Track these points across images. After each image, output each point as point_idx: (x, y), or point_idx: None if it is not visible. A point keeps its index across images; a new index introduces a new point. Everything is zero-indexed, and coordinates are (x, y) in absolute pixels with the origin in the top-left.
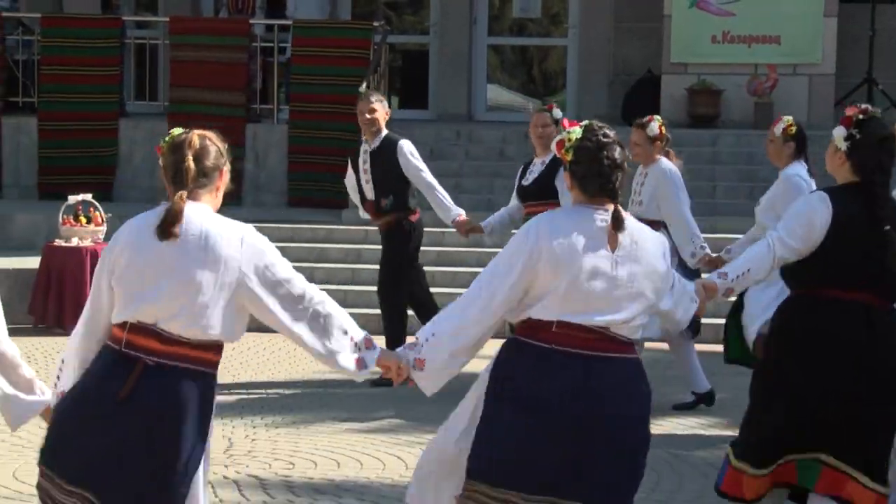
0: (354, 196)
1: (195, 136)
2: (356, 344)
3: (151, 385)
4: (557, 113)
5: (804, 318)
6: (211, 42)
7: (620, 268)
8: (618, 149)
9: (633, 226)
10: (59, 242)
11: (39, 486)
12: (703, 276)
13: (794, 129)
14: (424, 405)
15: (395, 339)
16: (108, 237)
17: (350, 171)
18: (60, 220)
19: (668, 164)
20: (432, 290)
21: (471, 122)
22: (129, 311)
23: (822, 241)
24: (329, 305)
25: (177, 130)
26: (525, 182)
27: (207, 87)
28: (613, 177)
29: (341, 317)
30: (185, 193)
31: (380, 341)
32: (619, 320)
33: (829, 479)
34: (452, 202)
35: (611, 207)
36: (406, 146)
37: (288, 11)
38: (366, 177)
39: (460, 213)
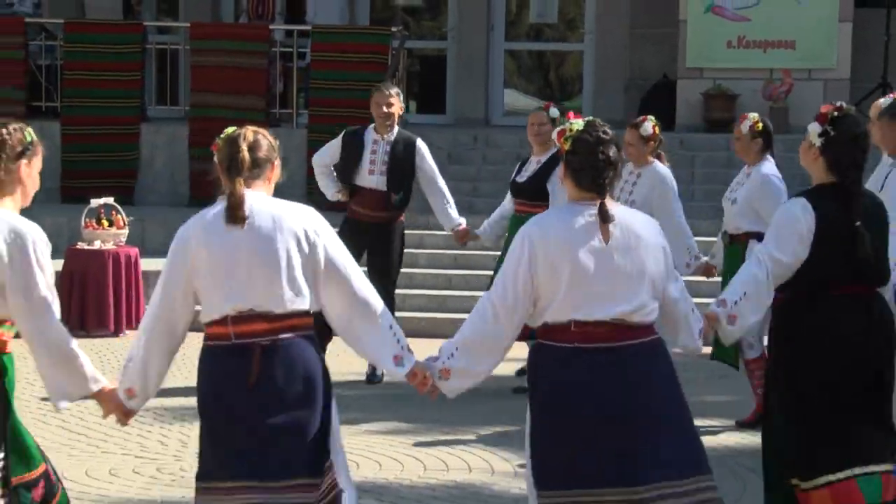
0: (327, 176)
1: (249, 130)
2: (399, 342)
3: (274, 363)
4: (554, 111)
5: (803, 319)
6: (231, 47)
7: (618, 257)
8: (613, 147)
9: (622, 214)
10: (81, 245)
11: None
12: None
13: (760, 125)
14: (442, 407)
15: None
16: (129, 240)
17: (330, 150)
18: (83, 223)
19: (664, 169)
20: (449, 292)
21: (488, 126)
22: (226, 305)
23: (810, 248)
24: (378, 299)
25: (231, 129)
26: (519, 179)
27: (228, 91)
28: (606, 173)
29: (388, 313)
30: (241, 180)
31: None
32: (630, 310)
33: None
34: (456, 210)
35: (598, 202)
36: (424, 146)
37: (308, 17)
38: (373, 167)
39: (461, 223)
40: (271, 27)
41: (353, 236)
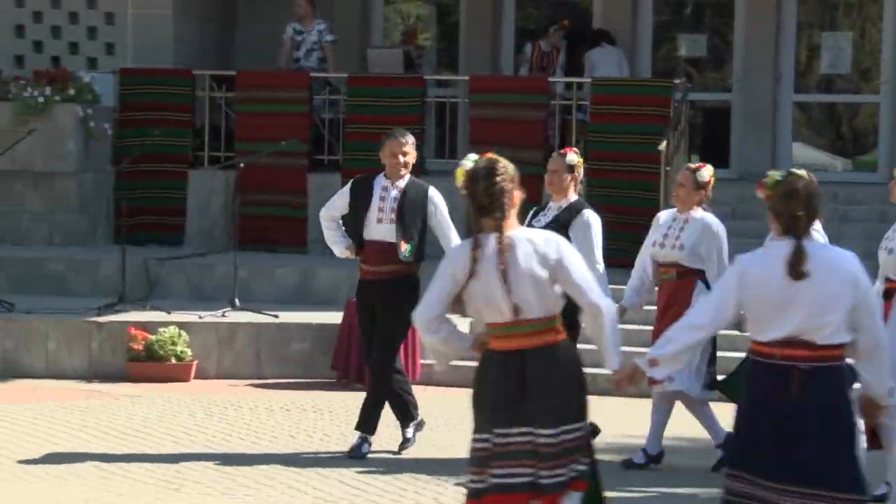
0: (335, 230)
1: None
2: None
3: (814, 385)
4: (571, 158)
5: None
6: (510, 100)
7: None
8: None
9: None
10: None
11: (728, 490)
12: None
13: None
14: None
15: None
16: None
17: (339, 201)
18: None
19: (712, 219)
20: None
21: None
22: (776, 331)
23: None
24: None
25: (776, 175)
26: (536, 224)
27: (505, 143)
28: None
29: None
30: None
31: None
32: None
33: None
34: None
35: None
36: (438, 196)
37: (587, 72)
38: (381, 215)
39: None
40: (550, 80)
41: (363, 301)
